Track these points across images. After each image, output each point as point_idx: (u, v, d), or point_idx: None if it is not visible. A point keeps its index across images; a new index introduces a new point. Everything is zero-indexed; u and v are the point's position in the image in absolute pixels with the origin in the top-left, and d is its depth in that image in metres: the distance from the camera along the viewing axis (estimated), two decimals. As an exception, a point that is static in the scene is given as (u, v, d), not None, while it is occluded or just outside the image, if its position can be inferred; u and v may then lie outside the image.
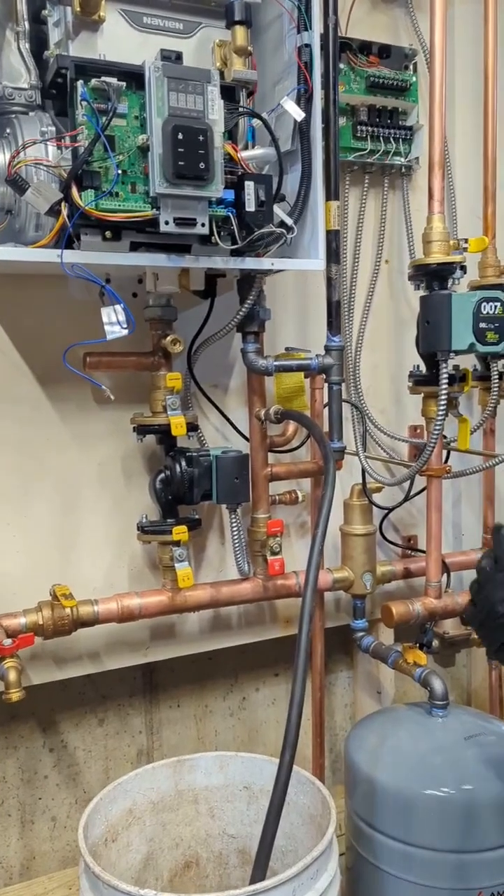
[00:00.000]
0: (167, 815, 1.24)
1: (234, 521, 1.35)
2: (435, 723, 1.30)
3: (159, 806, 1.23)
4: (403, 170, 1.62)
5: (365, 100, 1.53)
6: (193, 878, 1.28)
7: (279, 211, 1.21)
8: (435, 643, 1.48)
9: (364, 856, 1.26)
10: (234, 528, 1.35)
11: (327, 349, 1.34)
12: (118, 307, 1.04)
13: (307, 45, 1.21)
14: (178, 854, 1.26)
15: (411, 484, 1.48)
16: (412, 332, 1.64)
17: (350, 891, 1.28)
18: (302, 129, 1.23)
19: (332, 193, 1.30)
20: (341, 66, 1.49)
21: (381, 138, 1.56)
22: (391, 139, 1.57)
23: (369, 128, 1.54)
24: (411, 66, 1.59)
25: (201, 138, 1.03)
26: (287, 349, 1.44)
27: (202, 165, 1.04)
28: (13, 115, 1.11)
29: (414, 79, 1.58)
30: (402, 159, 1.60)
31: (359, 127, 1.53)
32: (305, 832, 1.19)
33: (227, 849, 1.30)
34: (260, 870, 0.96)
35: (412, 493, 1.56)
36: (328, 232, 1.30)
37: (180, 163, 1.02)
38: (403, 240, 1.66)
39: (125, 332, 1.05)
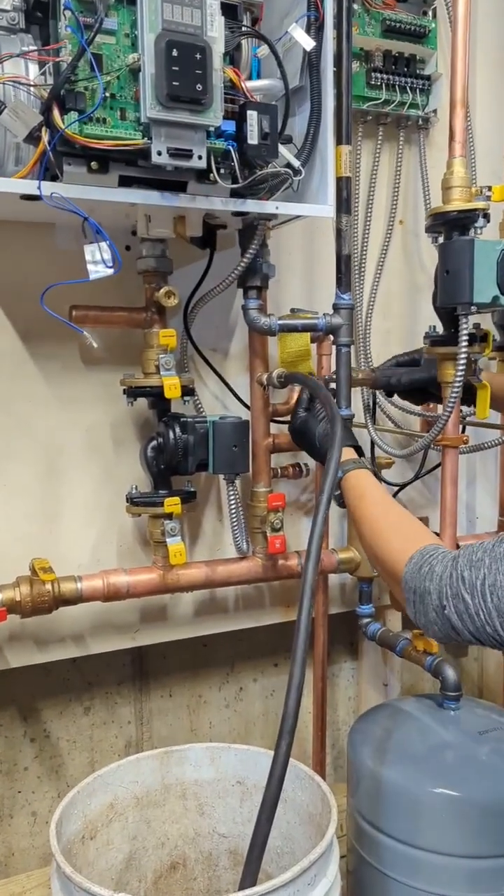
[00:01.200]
0: (152, 810, 1.14)
1: (231, 493, 1.24)
2: (446, 716, 1.21)
3: (144, 801, 1.13)
4: (420, 122, 1.51)
5: (380, 44, 1.42)
6: (180, 881, 1.18)
7: (285, 152, 1.11)
8: (447, 631, 1.37)
9: (367, 859, 1.16)
10: (232, 502, 1.24)
11: (336, 307, 1.23)
12: (103, 244, 0.94)
13: (318, -32, 1.10)
14: (164, 854, 1.16)
15: (424, 457, 1.38)
16: (427, 299, 1.53)
17: (351, 898, 1.18)
18: (311, 62, 1.13)
19: (343, 137, 1.19)
20: (355, 6, 1.38)
21: (396, 87, 1.45)
22: (408, 89, 1.46)
23: (384, 75, 1.43)
24: (430, 12, 1.48)
25: (198, 56, 0.92)
26: (293, 310, 1.34)
27: (199, 87, 0.93)
28: (-7, 36, 1.00)
29: (433, 25, 1.47)
30: (419, 111, 1.48)
31: (373, 74, 1.42)
32: (303, 832, 1.09)
33: (218, 849, 1.19)
34: (251, 874, 0.85)
35: (424, 471, 1.45)
36: (339, 179, 1.19)
37: (174, 83, 0.91)
38: (419, 199, 1.55)
39: (110, 271, 0.94)
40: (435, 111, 1.50)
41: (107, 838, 1.08)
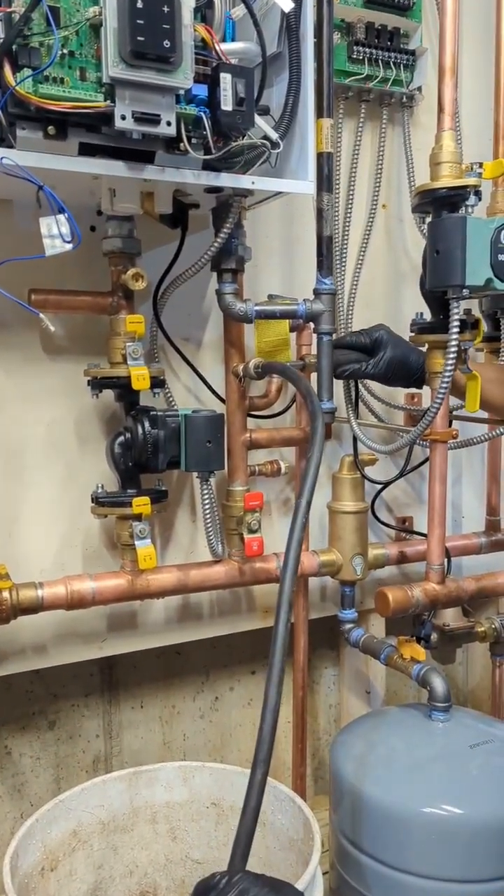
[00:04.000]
0: (120, 836, 1.06)
1: (205, 492, 1.16)
2: (435, 728, 1.14)
3: (110, 826, 1.04)
4: (404, 100, 1.43)
5: (362, 15, 1.34)
6: (150, 912, 1.10)
7: (263, 123, 1.03)
8: (433, 637, 1.30)
9: (349, 881, 1.09)
10: (206, 501, 1.16)
11: (317, 293, 1.15)
12: (61, 217, 0.85)
13: None
14: (133, 883, 1.07)
15: (409, 454, 1.30)
16: (412, 288, 1.46)
17: (334, 923, 1.10)
18: (290, 26, 1.05)
19: (325, 110, 1.11)
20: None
21: (379, 62, 1.37)
22: (391, 64, 1.38)
23: (367, 49, 1.35)
24: (415, -17, 1.40)
25: (166, 9, 0.84)
26: (270, 297, 1.26)
27: (167, 44, 0.85)
28: None
29: (418, -3, 1.39)
30: (403, 88, 1.41)
31: (355, 47, 1.34)
32: (283, 858, 1.01)
33: (192, 876, 1.11)
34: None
35: (409, 468, 1.38)
36: (320, 154, 1.11)
37: (139, 38, 0.83)
38: (403, 182, 1.47)
39: (68, 246, 0.86)
40: (419, 88, 1.42)
41: (69, 868, 1.00)
